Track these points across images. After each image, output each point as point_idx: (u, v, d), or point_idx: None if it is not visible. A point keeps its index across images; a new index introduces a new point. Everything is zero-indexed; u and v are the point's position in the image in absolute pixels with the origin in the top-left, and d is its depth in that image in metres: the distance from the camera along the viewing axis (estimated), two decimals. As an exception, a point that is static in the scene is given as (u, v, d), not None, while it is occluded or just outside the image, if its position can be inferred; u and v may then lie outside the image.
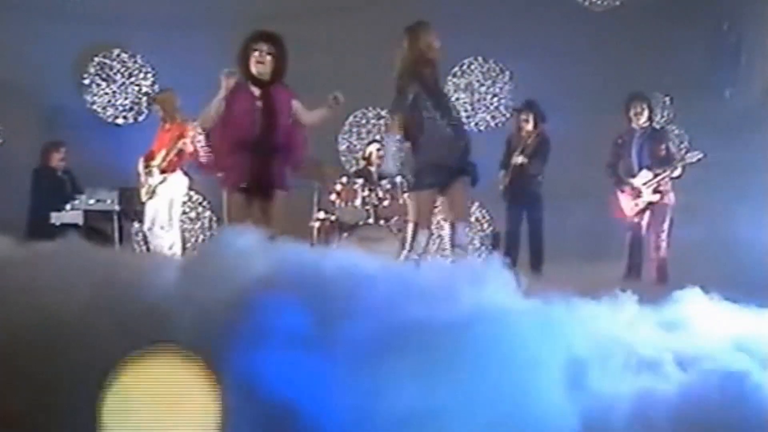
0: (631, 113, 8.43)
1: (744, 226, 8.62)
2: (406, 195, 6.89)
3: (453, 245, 6.41)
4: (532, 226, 8.97)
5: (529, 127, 9.03)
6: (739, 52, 10.06)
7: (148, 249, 9.78)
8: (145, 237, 9.89)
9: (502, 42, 10.34)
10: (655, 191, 8.30)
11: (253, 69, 6.24)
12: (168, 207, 8.95)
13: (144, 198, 8.99)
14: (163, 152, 8.87)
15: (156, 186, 8.88)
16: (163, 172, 8.87)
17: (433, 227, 6.86)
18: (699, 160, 8.38)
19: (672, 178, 8.34)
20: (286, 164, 6.35)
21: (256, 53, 6.23)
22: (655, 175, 8.29)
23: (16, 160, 10.01)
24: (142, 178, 9.00)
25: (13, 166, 9.95)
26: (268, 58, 6.24)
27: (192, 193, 10.42)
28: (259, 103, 6.24)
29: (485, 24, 10.14)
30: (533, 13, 10.22)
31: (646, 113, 8.46)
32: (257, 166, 6.22)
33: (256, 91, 6.27)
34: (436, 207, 6.64)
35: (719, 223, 8.99)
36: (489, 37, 10.22)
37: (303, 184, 7.91)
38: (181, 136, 8.71)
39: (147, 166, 8.97)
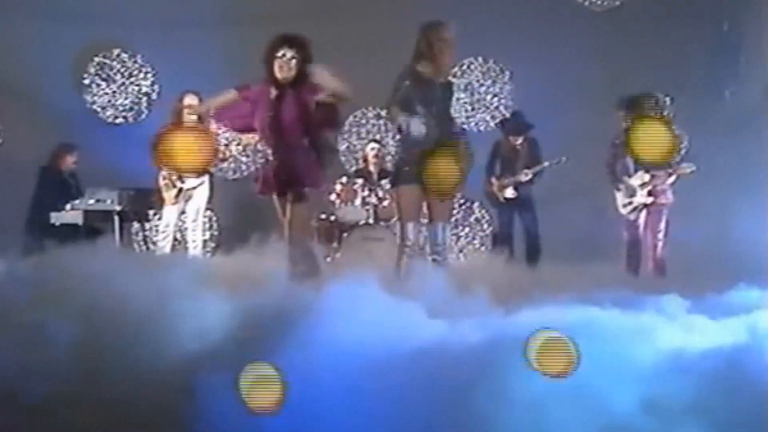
0: (622, 114, 8.53)
1: (744, 225, 8.63)
2: (394, 193, 6.84)
3: (432, 245, 6.44)
4: (527, 226, 9.10)
5: (518, 138, 9.22)
6: (739, 52, 10.06)
7: (148, 249, 9.80)
8: (145, 237, 9.91)
9: (502, 42, 10.32)
10: (649, 194, 8.36)
11: (278, 74, 6.19)
12: (201, 207, 9.26)
13: (173, 201, 9.08)
14: None
15: (194, 188, 9.10)
16: (199, 175, 9.14)
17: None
18: (692, 172, 8.43)
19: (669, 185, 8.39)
20: (305, 168, 6.26)
21: (281, 59, 6.18)
22: (651, 178, 8.34)
23: (16, 160, 10.01)
24: (168, 181, 9.08)
25: (13, 166, 9.95)
26: (293, 62, 6.20)
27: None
28: (273, 107, 6.21)
29: (485, 24, 10.12)
30: (533, 13, 10.21)
31: (626, 120, 8.54)
32: (277, 171, 6.20)
33: (274, 93, 6.23)
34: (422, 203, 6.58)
35: (719, 223, 9.00)
36: (489, 37, 10.20)
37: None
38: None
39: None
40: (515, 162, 9.23)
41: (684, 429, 2.77)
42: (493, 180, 9.30)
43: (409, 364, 3.10)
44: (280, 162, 6.20)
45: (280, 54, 6.16)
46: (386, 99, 6.60)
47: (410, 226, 6.38)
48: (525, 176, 9.14)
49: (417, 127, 6.30)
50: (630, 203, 8.45)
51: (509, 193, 9.20)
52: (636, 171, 8.42)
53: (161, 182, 9.15)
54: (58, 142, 9.75)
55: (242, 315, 3.45)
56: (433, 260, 6.40)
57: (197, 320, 3.32)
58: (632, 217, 8.46)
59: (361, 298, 3.94)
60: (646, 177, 8.35)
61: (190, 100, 9.17)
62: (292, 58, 6.17)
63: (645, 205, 8.37)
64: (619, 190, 8.54)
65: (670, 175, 8.37)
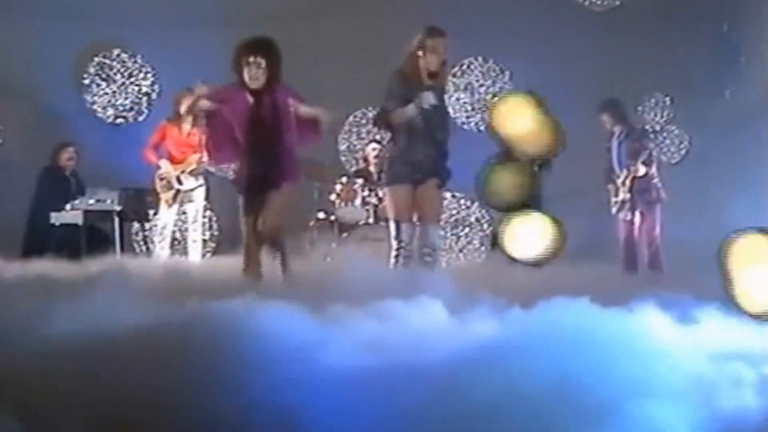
0: (603, 118, 8.64)
1: (743, 225, 8.62)
2: (385, 192, 6.86)
3: (424, 247, 6.44)
4: None
5: None
6: (739, 52, 10.05)
7: (148, 249, 9.81)
8: (145, 237, 9.91)
9: (502, 42, 10.33)
10: (629, 190, 8.46)
11: (248, 81, 6.20)
12: (200, 208, 9.32)
13: (170, 203, 9.07)
14: (195, 156, 9.06)
15: (192, 189, 9.11)
16: (198, 175, 9.15)
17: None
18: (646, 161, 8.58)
19: (637, 178, 8.48)
20: (283, 167, 6.31)
21: (249, 67, 6.18)
22: (629, 174, 8.46)
23: (16, 160, 10.00)
24: (165, 183, 9.07)
25: (13, 166, 9.94)
26: (261, 69, 6.20)
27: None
28: (252, 110, 6.23)
29: (485, 24, 10.13)
30: (533, 13, 10.22)
31: (610, 122, 8.70)
32: (254, 169, 6.23)
33: (250, 98, 6.25)
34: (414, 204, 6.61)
35: (719, 223, 8.99)
36: (489, 37, 10.21)
37: (303, 183, 7.91)
38: None
39: (181, 171, 9.09)
40: None
41: (683, 429, 2.77)
42: None
43: (408, 362, 3.10)
44: (256, 165, 6.22)
45: (249, 60, 6.17)
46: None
47: (403, 226, 6.38)
48: None
49: (428, 99, 6.32)
50: (615, 202, 8.59)
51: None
52: (621, 170, 8.56)
53: (158, 183, 9.14)
54: (57, 141, 9.75)
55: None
56: (425, 262, 6.42)
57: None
58: (622, 216, 8.59)
59: (360, 298, 3.95)
60: (626, 173, 8.52)
61: (187, 101, 9.19)
62: (261, 63, 6.18)
63: (623, 202, 8.51)
64: (609, 191, 8.70)
65: (638, 168, 8.49)
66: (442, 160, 6.52)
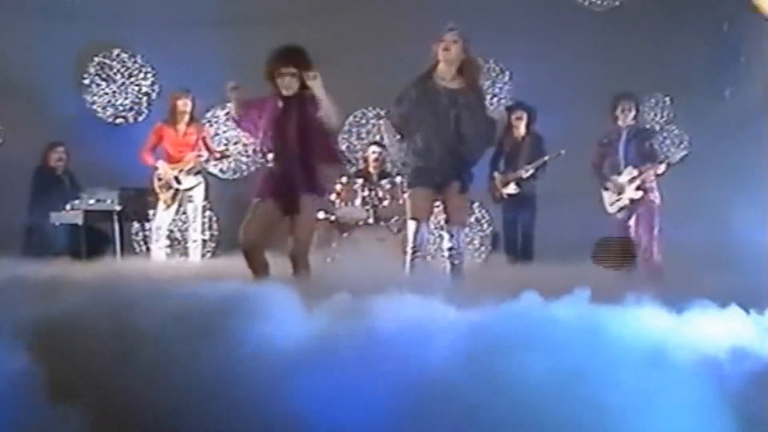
0: (618, 112, 8.55)
1: (742, 225, 8.64)
2: (405, 194, 6.94)
3: (449, 249, 6.50)
4: (524, 225, 9.13)
5: (522, 127, 9.18)
6: (739, 52, 10.06)
7: (148, 249, 9.82)
8: (145, 237, 9.92)
9: (502, 42, 10.33)
10: (638, 188, 8.39)
11: (282, 90, 6.25)
12: (199, 208, 9.40)
13: (168, 203, 9.09)
14: (192, 155, 9.06)
15: (191, 188, 9.13)
16: (196, 174, 9.18)
17: (432, 226, 6.94)
18: (682, 158, 8.46)
19: (657, 175, 8.41)
20: (312, 175, 6.34)
21: (282, 78, 6.22)
22: (640, 172, 8.38)
23: (16, 160, 10.01)
24: (164, 183, 9.08)
25: (13, 166, 9.95)
26: (294, 78, 6.23)
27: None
28: (281, 114, 6.26)
29: (485, 24, 10.13)
30: (533, 13, 10.23)
31: (633, 112, 8.57)
32: (283, 178, 6.24)
33: (281, 103, 6.28)
34: (435, 206, 6.70)
35: (718, 223, 9.01)
36: (489, 37, 10.21)
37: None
38: (203, 136, 9.35)
39: (179, 171, 9.11)
40: (518, 158, 9.20)
41: (680, 425, 2.78)
42: (496, 175, 9.28)
43: (408, 361, 3.10)
44: (284, 169, 6.24)
45: (282, 71, 6.20)
46: (390, 104, 6.67)
47: (422, 227, 6.44)
48: (526, 172, 9.12)
49: (396, 152, 6.43)
50: (618, 200, 8.50)
51: (511, 189, 9.17)
52: (626, 168, 8.48)
53: (156, 184, 9.16)
54: (48, 141, 9.76)
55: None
56: (451, 264, 6.48)
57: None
58: (621, 215, 8.52)
59: (360, 298, 3.95)
60: (635, 172, 8.43)
61: (183, 104, 9.22)
62: (294, 72, 6.21)
63: (632, 201, 8.42)
64: (606, 189, 8.61)
65: (661, 163, 8.42)
66: (465, 164, 6.55)
